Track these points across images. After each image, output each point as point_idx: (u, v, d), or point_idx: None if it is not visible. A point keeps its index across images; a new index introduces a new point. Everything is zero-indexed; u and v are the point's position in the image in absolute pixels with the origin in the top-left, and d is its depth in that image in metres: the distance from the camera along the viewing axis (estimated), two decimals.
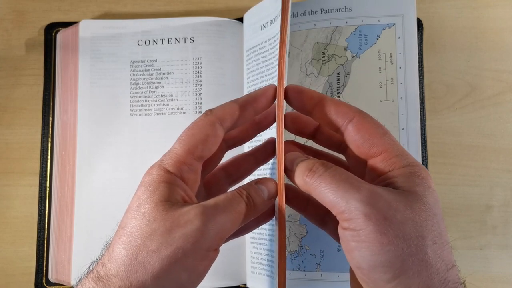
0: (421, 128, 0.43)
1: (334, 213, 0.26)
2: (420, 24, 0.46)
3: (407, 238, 0.24)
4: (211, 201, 0.27)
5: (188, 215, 0.26)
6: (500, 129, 0.47)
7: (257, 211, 0.29)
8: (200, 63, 0.47)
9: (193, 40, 0.48)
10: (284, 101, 0.30)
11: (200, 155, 0.29)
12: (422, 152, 0.43)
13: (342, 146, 0.33)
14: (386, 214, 0.24)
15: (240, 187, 0.30)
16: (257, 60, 0.36)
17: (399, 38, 0.43)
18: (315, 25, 0.44)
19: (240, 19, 0.47)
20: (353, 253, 0.25)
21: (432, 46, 0.48)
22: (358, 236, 0.24)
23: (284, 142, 0.30)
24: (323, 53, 0.44)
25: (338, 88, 0.43)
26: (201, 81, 0.47)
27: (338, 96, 0.43)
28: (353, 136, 0.28)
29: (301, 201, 0.33)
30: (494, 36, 0.48)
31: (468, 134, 0.47)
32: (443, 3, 0.48)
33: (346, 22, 0.44)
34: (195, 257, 0.26)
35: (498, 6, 0.48)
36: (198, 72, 0.47)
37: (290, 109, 0.32)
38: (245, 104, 0.30)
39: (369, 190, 0.25)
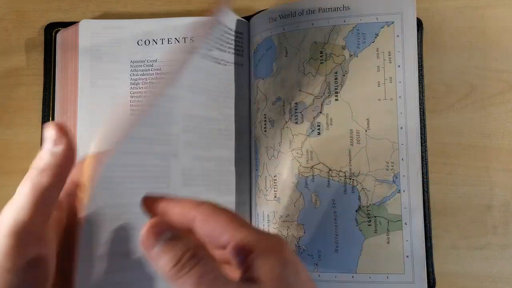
0: (421, 128, 0.43)
1: None
2: (420, 24, 0.46)
3: None
4: None
5: None
6: (500, 129, 0.46)
7: None
8: None
9: (193, 40, 0.48)
10: None
11: None
12: (422, 152, 0.43)
13: None
14: None
15: None
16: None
17: (397, 36, 0.43)
18: (313, 24, 0.44)
19: (241, 19, 0.48)
20: None
21: (432, 46, 0.47)
22: None
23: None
24: (321, 52, 0.44)
25: (336, 87, 0.43)
26: None
27: (336, 96, 0.43)
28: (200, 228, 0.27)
29: None
30: (494, 36, 0.47)
31: (468, 134, 0.46)
32: (443, 3, 0.48)
33: (344, 21, 0.44)
34: None
35: (498, 6, 0.48)
36: None
37: None
38: None
39: None
